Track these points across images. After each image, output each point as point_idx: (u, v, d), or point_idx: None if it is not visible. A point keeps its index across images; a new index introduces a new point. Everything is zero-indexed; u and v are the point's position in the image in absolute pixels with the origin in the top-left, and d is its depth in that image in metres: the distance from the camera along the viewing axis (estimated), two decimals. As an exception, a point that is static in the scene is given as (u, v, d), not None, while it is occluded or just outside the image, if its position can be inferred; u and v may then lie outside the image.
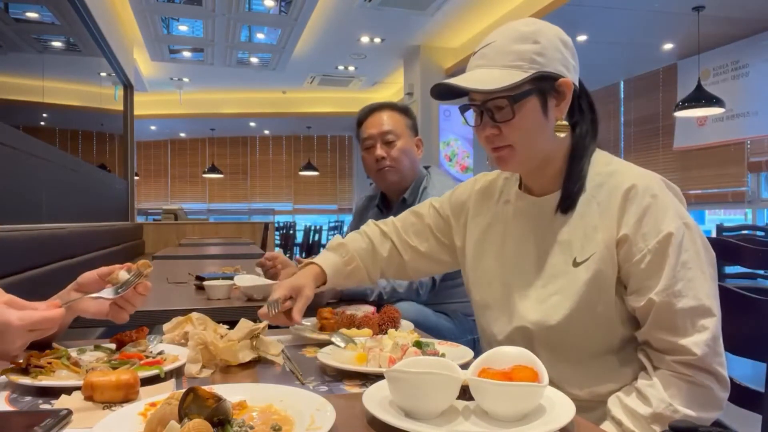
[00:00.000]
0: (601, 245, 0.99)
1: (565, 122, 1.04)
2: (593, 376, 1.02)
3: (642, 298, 0.95)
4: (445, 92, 1.07)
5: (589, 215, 1.02)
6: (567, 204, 1.04)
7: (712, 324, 0.93)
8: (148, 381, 0.86)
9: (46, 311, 0.83)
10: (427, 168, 2.02)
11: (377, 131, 1.90)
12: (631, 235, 0.97)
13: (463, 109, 1.09)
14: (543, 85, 1.01)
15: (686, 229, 0.96)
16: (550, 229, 1.07)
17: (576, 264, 1.02)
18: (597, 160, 1.07)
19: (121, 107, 6.37)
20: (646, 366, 0.97)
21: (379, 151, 1.89)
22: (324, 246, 10.69)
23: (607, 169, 1.05)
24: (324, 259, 1.28)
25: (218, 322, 1.08)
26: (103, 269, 0.99)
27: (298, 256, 9.88)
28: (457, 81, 1.01)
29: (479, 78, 1.01)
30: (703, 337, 0.92)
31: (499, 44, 1.02)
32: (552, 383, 1.02)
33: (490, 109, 1.02)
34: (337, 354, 0.98)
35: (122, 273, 0.97)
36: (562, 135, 1.04)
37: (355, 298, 1.65)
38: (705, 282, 0.94)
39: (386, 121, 1.91)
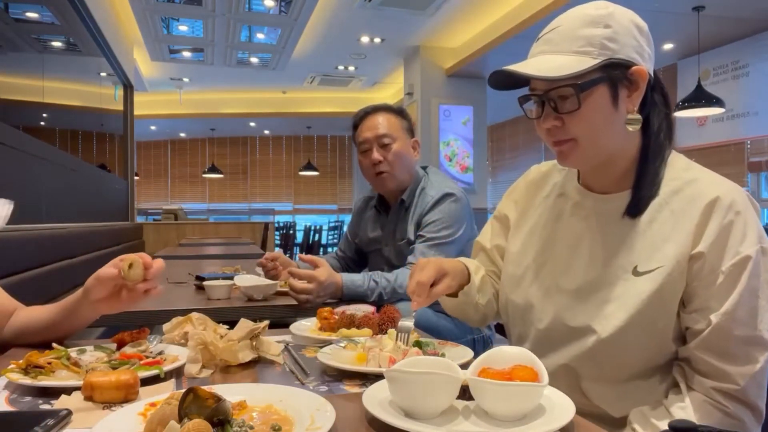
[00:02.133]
0: (671, 259, 0.91)
1: (637, 115, 0.95)
2: (632, 398, 0.95)
3: (702, 318, 0.89)
4: (503, 81, 0.97)
5: (659, 222, 0.94)
6: (637, 208, 0.96)
7: (764, 356, 0.88)
8: (148, 381, 0.86)
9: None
10: (424, 168, 2.02)
11: (373, 135, 1.90)
12: (707, 252, 0.89)
13: (523, 101, 1.00)
14: (614, 73, 0.92)
15: (763, 255, 0.89)
16: (612, 230, 0.98)
17: (637, 273, 0.94)
18: (674, 163, 0.98)
19: (121, 107, 6.38)
20: (680, 384, 0.92)
21: (376, 154, 1.89)
22: (324, 246, 10.70)
23: (686, 174, 0.96)
24: (470, 261, 1.20)
25: (218, 322, 1.08)
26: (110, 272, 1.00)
27: (300, 254, 9.91)
28: (518, 68, 0.92)
29: (543, 65, 0.93)
30: (752, 369, 0.87)
31: (566, 28, 0.94)
32: (587, 398, 0.97)
33: (553, 99, 0.94)
34: (337, 354, 0.98)
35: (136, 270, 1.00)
36: (633, 129, 0.95)
37: (355, 298, 1.65)
38: (766, 311, 0.89)
39: (382, 123, 1.91)
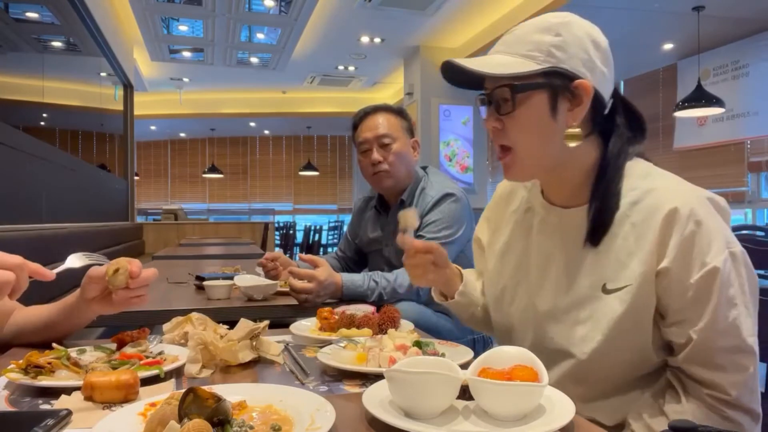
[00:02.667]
0: (638, 277, 0.89)
1: (576, 130, 0.92)
2: (620, 405, 0.96)
3: (681, 333, 0.88)
4: (458, 77, 0.97)
5: (621, 237, 0.92)
6: (597, 233, 0.94)
7: (752, 363, 0.87)
8: (148, 381, 0.86)
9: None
10: (424, 168, 2.02)
11: (373, 135, 1.90)
12: (672, 267, 0.87)
13: (481, 101, 1.00)
14: (555, 81, 0.90)
15: (732, 261, 0.87)
16: (577, 247, 0.97)
17: (606, 291, 0.92)
18: (632, 171, 0.95)
19: (121, 107, 6.37)
20: (678, 389, 0.91)
21: (375, 155, 1.89)
22: (324, 246, 10.69)
23: (644, 183, 0.93)
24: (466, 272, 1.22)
25: (218, 322, 1.08)
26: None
27: (300, 254, 9.90)
28: (464, 62, 0.92)
29: (488, 62, 0.92)
30: (742, 377, 0.87)
31: (521, 32, 0.95)
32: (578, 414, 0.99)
33: (497, 100, 0.93)
34: (337, 354, 0.98)
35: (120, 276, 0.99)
36: (572, 144, 0.92)
37: (355, 298, 1.65)
38: (748, 318, 0.88)
39: (382, 124, 1.91)
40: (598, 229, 0.94)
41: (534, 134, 0.93)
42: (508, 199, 1.15)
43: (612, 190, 0.94)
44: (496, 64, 0.92)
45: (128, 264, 0.99)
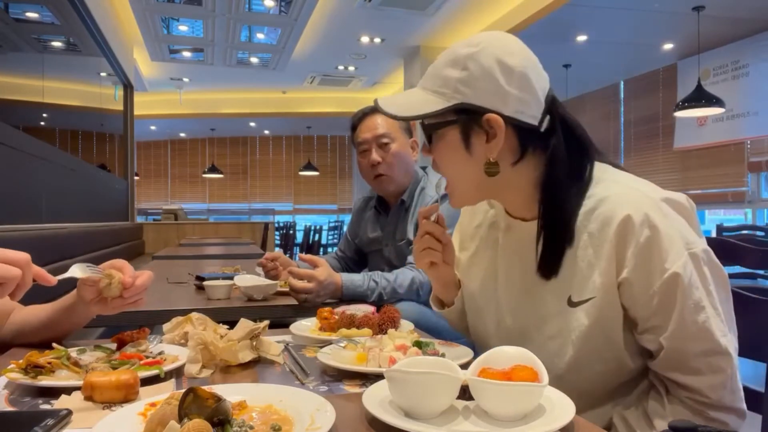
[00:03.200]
0: (600, 290, 0.89)
1: (493, 163, 0.91)
2: (605, 412, 0.96)
3: (653, 339, 0.88)
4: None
5: (581, 248, 0.91)
6: (550, 267, 0.93)
7: (728, 363, 0.86)
8: (148, 381, 0.86)
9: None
10: (424, 168, 2.02)
11: (371, 135, 1.90)
12: (632, 277, 0.86)
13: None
14: (463, 117, 0.91)
15: (693, 262, 0.85)
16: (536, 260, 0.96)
17: (572, 303, 0.91)
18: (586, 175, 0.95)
19: (121, 107, 6.37)
20: (660, 390, 0.91)
21: (374, 155, 1.89)
22: (324, 246, 10.68)
23: (597, 190, 0.92)
24: None
25: (218, 322, 1.08)
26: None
27: (300, 254, 9.87)
28: (381, 101, 0.95)
29: (405, 100, 0.94)
30: (719, 379, 0.86)
31: (437, 64, 0.94)
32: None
33: (429, 135, 0.96)
34: (337, 354, 0.98)
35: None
36: (491, 176, 0.92)
37: (355, 298, 1.65)
38: (717, 319, 0.86)
39: (380, 124, 1.91)
40: (548, 259, 0.92)
41: (454, 168, 0.95)
42: (472, 214, 1.14)
43: (559, 205, 0.92)
44: (408, 103, 0.93)
45: (121, 275, 0.99)
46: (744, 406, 0.90)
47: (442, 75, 0.91)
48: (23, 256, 0.80)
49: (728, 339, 0.87)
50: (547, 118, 0.93)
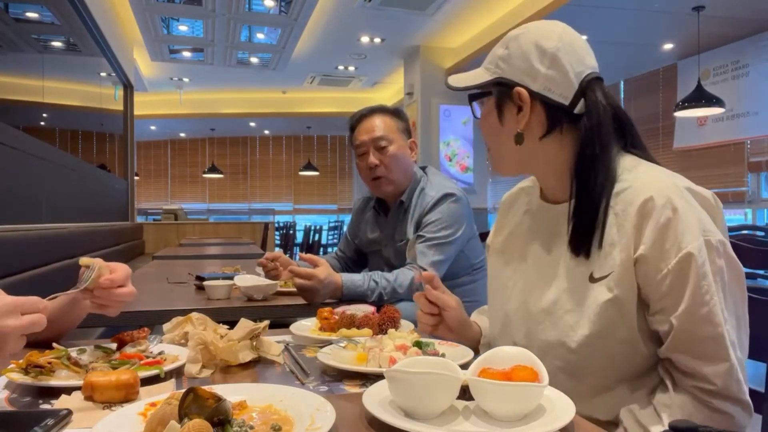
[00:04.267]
0: (619, 264, 0.92)
1: (518, 132, 1.01)
2: (616, 402, 0.96)
3: (663, 319, 0.90)
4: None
5: (606, 227, 0.95)
6: (578, 244, 0.97)
7: (732, 352, 0.88)
8: (148, 381, 0.86)
9: (34, 315, 0.81)
10: (423, 169, 2.01)
11: (369, 137, 1.90)
12: (649, 255, 0.89)
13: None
14: (500, 90, 1.02)
15: (708, 250, 0.88)
16: (565, 240, 1.00)
17: (593, 279, 0.95)
18: (620, 164, 0.99)
19: (121, 107, 6.38)
20: (667, 382, 0.92)
21: (372, 158, 1.89)
22: (324, 246, 10.68)
23: (628, 175, 0.96)
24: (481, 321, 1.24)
25: (218, 322, 1.08)
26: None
27: (301, 253, 9.85)
28: (450, 78, 1.08)
29: (463, 76, 1.07)
30: (725, 367, 0.87)
31: (496, 46, 1.07)
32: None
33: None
34: (337, 354, 0.98)
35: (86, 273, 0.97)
36: (518, 145, 1.02)
37: (355, 298, 1.65)
38: (723, 308, 0.88)
39: (378, 126, 1.90)
40: (579, 237, 0.96)
41: (490, 136, 1.07)
42: (511, 205, 1.21)
43: (591, 185, 0.96)
44: (465, 77, 1.06)
45: (103, 270, 0.97)
46: (748, 398, 0.90)
47: (492, 53, 1.05)
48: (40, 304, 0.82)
49: (734, 332, 0.89)
50: (582, 100, 0.99)
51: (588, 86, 0.99)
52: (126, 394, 0.79)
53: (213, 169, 12.08)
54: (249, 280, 1.75)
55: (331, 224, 11.53)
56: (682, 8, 5.16)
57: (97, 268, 0.96)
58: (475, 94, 1.07)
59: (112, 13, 5.60)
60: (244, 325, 1.00)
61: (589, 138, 0.98)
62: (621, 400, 0.96)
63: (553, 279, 1.01)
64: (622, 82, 7.74)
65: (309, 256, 1.67)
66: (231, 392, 0.74)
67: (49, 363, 0.87)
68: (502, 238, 1.18)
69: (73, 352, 0.95)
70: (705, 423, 0.81)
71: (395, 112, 1.97)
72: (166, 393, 0.74)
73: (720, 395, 0.88)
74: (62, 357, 0.89)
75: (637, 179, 0.94)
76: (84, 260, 0.98)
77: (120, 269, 1.00)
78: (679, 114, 5.64)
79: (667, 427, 0.85)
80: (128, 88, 6.48)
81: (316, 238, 10.41)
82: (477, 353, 1.14)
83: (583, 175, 0.98)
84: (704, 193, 0.94)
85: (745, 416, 0.90)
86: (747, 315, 0.93)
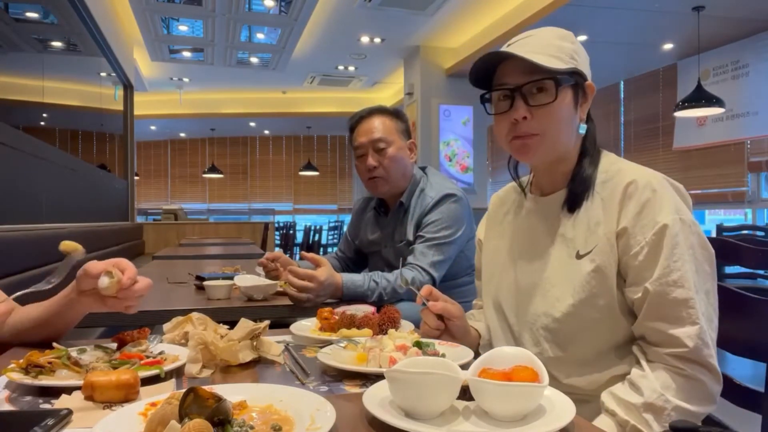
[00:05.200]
0: (602, 238, 1.02)
1: (583, 123, 1.10)
2: (598, 371, 1.03)
3: (639, 289, 0.98)
4: (480, 74, 1.09)
5: (593, 210, 1.05)
6: (572, 203, 1.08)
7: (701, 317, 0.94)
8: (148, 381, 0.86)
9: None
10: (423, 169, 2.01)
11: (368, 139, 1.90)
12: (629, 227, 0.99)
13: (484, 99, 1.12)
14: (578, 79, 1.08)
15: (681, 225, 0.97)
16: (556, 225, 1.10)
17: (579, 257, 1.04)
18: (604, 160, 1.11)
19: (121, 107, 6.38)
20: (640, 359, 0.98)
21: (371, 160, 1.88)
22: (324, 246, 10.68)
23: (612, 167, 1.09)
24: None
25: (218, 322, 1.08)
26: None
27: (303, 252, 9.85)
28: (515, 50, 1.03)
29: (538, 56, 1.03)
30: (696, 330, 0.93)
31: (540, 38, 1.08)
32: (556, 379, 1.05)
33: (525, 95, 1.04)
34: (337, 354, 0.98)
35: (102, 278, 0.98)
36: (581, 132, 1.10)
37: (356, 298, 1.65)
38: (696, 276, 0.96)
39: (377, 127, 1.90)
40: (572, 197, 1.08)
41: (563, 123, 1.07)
42: (501, 204, 1.29)
43: (590, 172, 1.09)
44: (541, 58, 1.02)
45: (120, 275, 0.98)
46: (717, 366, 0.95)
47: (557, 44, 1.06)
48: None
49: (703, 305, 0.95)
50: None
51: None
52: (126, 394, 0.79)
53: (213, 169, 12.08)
54: (249, 280, 1.75)
55: (331, 224, 11.53)
56: (682, 8, 5.16)
57: (115, 274, 0.97)
58: (558, 80, 1.04)
59: (112, 13, 5.60)
60: (244, 325, 1.00)
61: (594, 137, 1.13)
62: (601, 373, 1.03)
63: (543, 259, 1.11)
64: (622, 82, 7.74)
65: (311, 255, 1.67)
66: (231, 392, 0.74)
67: (50, 363, 0.87)
68: (494, 233, 1.27)
69: (74, 352, 0.95)
70: (679, 391, 0.93)
71: (395, 113, 1.97)
72: (166, 393, 0.74)
73: (690, 360, 0.93)
74: (62, 357, 0.89)
75: (622, 170, 1.06)
76: (66, 244, 0.97)
77: (128, 266, 1.01)
78: (679, 114, 5.64)
79: (644, 398, 0.91)
80: (128, 88, 6.48)
81: (316, 238, 10.41)
82: (477, 355, 1.15)
83: (586, 166, 1.10)
84: (679, 186, 1.05)
85: (715, 384, 0.95)
86: (716, 294, 1.00)
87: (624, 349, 1.03)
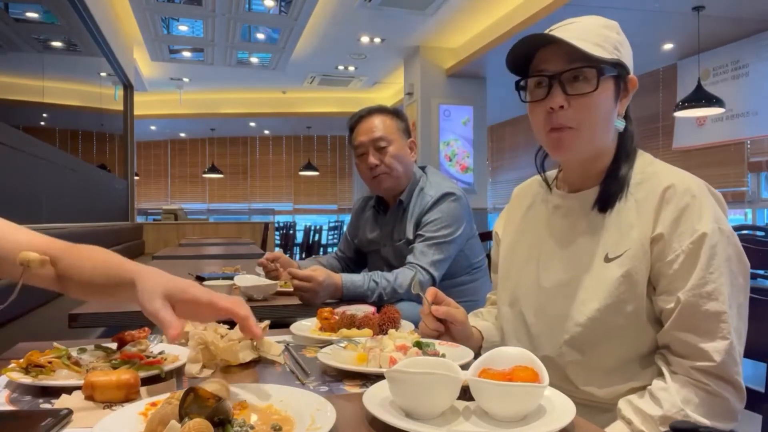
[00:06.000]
0: (635, 242, 0.97)
1: (622, 119, 1.05)
2: (618, 381, 0.99)
3: (671, 298, 0.93)
4: (519, 60, 1.02)
5: (625, 212, 1.00)
6: (604, 203, 1.02)
7: (732, 333, 0.90)
8: (148, 381, 0.86)
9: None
10: (423, 168, 2.01)
11: (368, 138, 1.90)
12: (666, 234, 0.94)
13: (519, 86, 1.05)
14: (621, 71, 1.02)
15: (720, 235, 0.93)
16: (585, 224, 1.05)
17: (608, 260, 0.99)
18: (640, 160, 1.06)
19: (121, 107, 6.38)
20: (663, 370, 0.94)
21: (372, 159, 1.89)
22: (324, 246, 10.68)
23: (649, 168, 1.03)
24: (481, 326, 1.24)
25: (218, 322, 1.08)
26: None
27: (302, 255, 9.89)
28: (559, 35, 0.97)
29: (582, 43, 0.97)
30: (725, 344, 0.89)
31: (584, 24, 1.02)
32: (573, 384, 1.01)
33: (563, 82, 0.98)
34: (338, 354, 0.98)
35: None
36: (620, 128, 1.05)
37: (356, 298, 1.65)
38: (730, 289, 0.92)
39: (378, 127, 1.90)
40: (605, 197, 1.02)
41: (601, 115, 1.01)
42: (523, 197, 1.23)
43: (625, 172, 1.03)
44: (585, 45, 0.97)
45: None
46: (742, 384, 0.92)
47: (602, 33, 1.00)
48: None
49: (734, 319, 0.91)
50: None
51: None
52: (126, 394, 0.79)
53: (213, 169, 12.08)
54: (249, 280, 1.75)
55: (331, 224, 11.53)
56: (682, 8, 5.16)
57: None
58: (600, 68, 0.99)
59: (112, 13, 5.60)
60: (245, 325, 1.00)
61: (632, 135, 1.07)
62: (621, 383, 0.98)
63: (568, 259, 1.05)
64: (622, 82, 7.74)
65: (304, 272, 1.61)
66: (231, 392, 0.74)
67: (50, 362, 0.87)
68: (514, 227, 1.21)
69: (74, 352, 0.95)
70: (701, 406, 0.87)
71: (394, 113, 1.97)
72: (166, 393, 0.74)
73: (716, 375, 0.89)
74: (63, 356, 0.90)
75: (658, 171, 1.01)
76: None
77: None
78: (678, 114, 5.64)
79: (663, 411, 0.87)
80: (128, 88, 6.48)
81: (316, 238, 10.42)
82: (477, 355, 1.13)
83: (620, 165, 1.04)
84: (718, 194, 1.00)
85: (738, 402, 0.92)
86: (747, 309, 0.96)
87: (647, 360, 0.99)
